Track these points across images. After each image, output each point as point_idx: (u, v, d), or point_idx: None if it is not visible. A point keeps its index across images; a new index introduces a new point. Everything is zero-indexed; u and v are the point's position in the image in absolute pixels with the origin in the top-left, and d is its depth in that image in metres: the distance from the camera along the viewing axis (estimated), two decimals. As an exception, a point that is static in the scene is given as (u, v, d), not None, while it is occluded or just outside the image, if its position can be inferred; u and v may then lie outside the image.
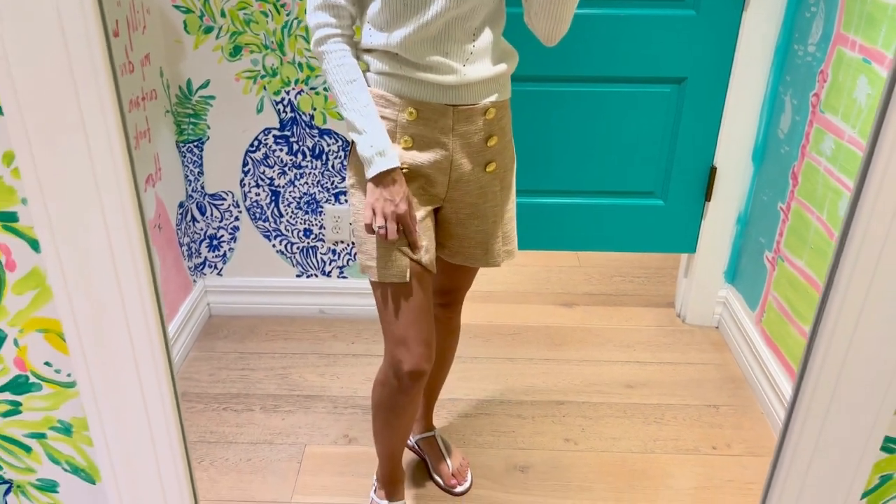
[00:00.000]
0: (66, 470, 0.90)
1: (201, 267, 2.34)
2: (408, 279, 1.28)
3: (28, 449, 0.87)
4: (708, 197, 2.19)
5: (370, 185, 1.22)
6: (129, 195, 0.78)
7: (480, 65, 1.24)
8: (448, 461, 1.75)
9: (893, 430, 0.96)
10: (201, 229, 2.28)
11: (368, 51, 1.27)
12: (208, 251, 2.32)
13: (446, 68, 1.21)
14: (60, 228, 0.79)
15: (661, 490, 1.77)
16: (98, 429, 0.82)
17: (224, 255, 2.32)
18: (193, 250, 2.30)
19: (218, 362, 2.19)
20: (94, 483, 0.88)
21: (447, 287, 1.55)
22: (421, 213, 1.29)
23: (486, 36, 1.24)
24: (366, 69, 1.28)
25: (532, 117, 2.10)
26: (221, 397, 2.04)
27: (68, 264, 0.79)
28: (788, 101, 1.93)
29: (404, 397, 1.40)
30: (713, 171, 2.15)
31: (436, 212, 1.37)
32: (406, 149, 1.26)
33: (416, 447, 1.81)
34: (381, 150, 1.20)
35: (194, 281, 2.31)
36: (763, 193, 2.09)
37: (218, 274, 2.36)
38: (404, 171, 1.25)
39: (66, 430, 0.86)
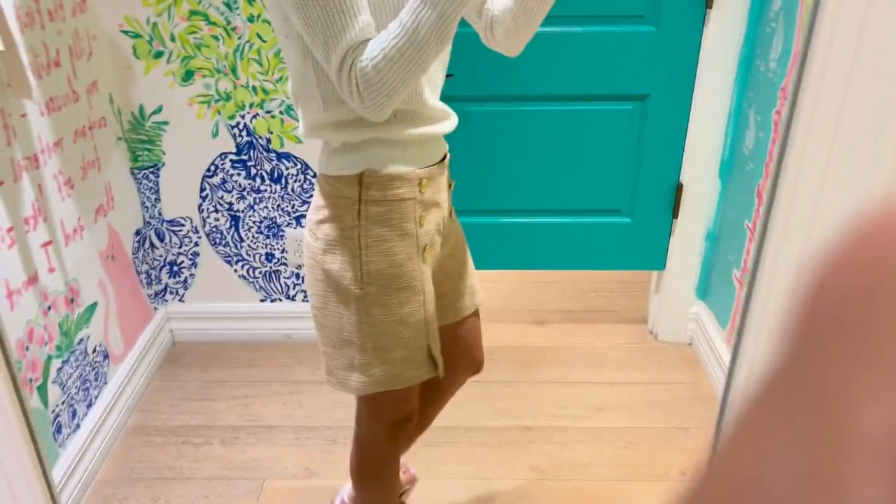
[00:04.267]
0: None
1: (163, 294, 2.29)
2: (440, 372, 1.17)
3: None
4: (675, 214, 2.16)
5: None
6: None
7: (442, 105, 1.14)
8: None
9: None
10: (161, 256, 2.23)
11: (347, 123, 1.03)
12: (169, 277, 2.27)
13: (442, 112, 1.09)
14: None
15: (628, 520, 1.72)
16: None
17: (185, 281, 2.28)
18: (154, 277, 2.25)
19: (180, 392, 2.14)
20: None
21: (471, 356, 1.42)
22: (434, 298, 1.18)
23: None
24: (347, 150, 1.05)
25: (495, 137, 2.06)
26: (181, 430, 1.99)
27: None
28: (752, 118, 1.89)
29: (395, 458, 1.34)
30: (680, 187, 2.12)
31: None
32: (424, 224, 1.11)
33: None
34: None
35: (155, 308, 2.26)
36: (730, 210, 2.05)
37: (180, 300, 2.31)
38: (429, 251, 1.13)
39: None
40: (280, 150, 2.07)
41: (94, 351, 1.86)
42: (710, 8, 1.87)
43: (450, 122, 1.12)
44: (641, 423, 2.01)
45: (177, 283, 2.28)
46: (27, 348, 1.55)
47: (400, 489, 1.49)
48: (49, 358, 1.64)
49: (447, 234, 1.22)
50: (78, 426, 1.78)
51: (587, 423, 2.01)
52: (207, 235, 2.20)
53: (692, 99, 1.99)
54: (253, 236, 2.20)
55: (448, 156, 1.19)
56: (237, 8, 1.88)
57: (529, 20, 1.09)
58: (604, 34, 1.92)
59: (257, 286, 2.28)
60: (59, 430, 1.69)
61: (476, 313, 1.39)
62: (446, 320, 1.31)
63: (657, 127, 2.03)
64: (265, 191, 2.13)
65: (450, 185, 1.21)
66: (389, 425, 1.26)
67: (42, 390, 1.62)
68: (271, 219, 2.17)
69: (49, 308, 1.64)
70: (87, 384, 1.83)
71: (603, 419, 2.03)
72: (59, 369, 1.69)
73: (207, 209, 2.16)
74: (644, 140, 2.06)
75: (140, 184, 2.12)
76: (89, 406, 1.84)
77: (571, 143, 2.07)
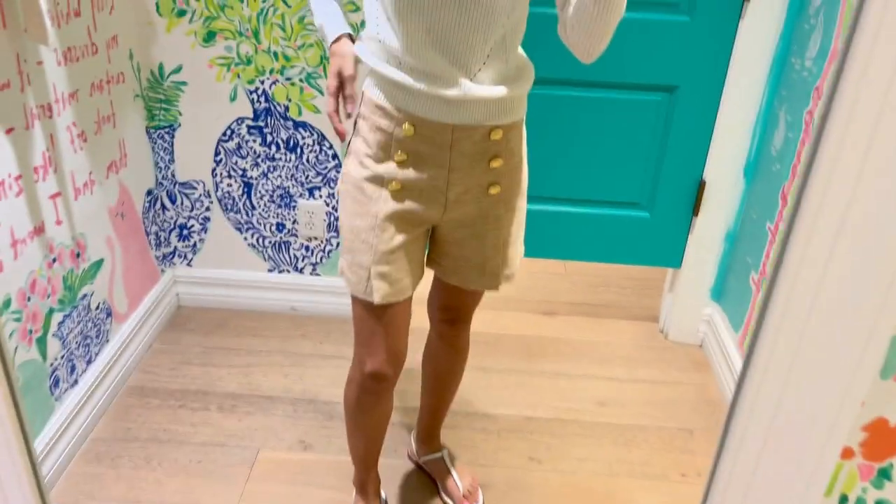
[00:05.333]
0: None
1: (171, 256, 2.27)
2: (375, 301, 1.22)
3: None
4: (696, 211, 2.11)
5: None
6: None
7: (489, 81, 1.13)
8: (458, 482, 1.67)
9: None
10: (171, 218, 2.21)
11: (374, 42, 1.15)
12: (178, 240, 2.25)
13: (449, 79, 1.10)
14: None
15: (623, 518, 1.69)
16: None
17: (194, 245, 2.26)
18: (163, 239, 2.23)
19: (181, 356, 2.13)
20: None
21: (449, 304, 1.47)
22: (400, 238, 1.21)
23: (504, 46, 1.12)
24: (368, 70, 1.18)
25: (516, 120, 2.02)
26: (179, 394, 1.98)
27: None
28: (783, 117, 1.84)
29: (369, 397, 1.36)
30: (702, 184, 2.06)
31: (433, 229, 1.31)
32: (400, 163, 1.17)
33: (424, 467, 1.74)
34: (327, 29, 1.20)
35: (162, 270, 2.24)
36: (752, 211, 2.00)
37: (188, 264, 2.29)
38: (396, 188, 1.18)
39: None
40: (297, 119, 2.04)
41: (98, 308, 1.85)
42: (748, 1, 1.81)
43: (456, 90, 1.10)
44: (644, 422, 1.97)
45: (186, 246, 2.26)
46: (29, 299, 1.53)
47: (379, 437, 1.49)
48: (51, 311, 1.63)
49: (459, 202, 1.22)
50: (76, 382, 1.76)
51: (589, 417, 1.98)
52: (219, 201, 2.18)
53: (722, 94, 1.94)
54: (265, 205, 2.17)
55: (498, 133, 1.18)
56: (263, -30, 1.85)
57: (586, 19, 1.04)
58: (635, 21, 1.87)
59: (266, 255, 2.26)
60: (56, 384, 1.67)
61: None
62: (451, 280, 1.36)
63: (684, 120, 1.98)
64: (280, 159, 2.10)
65: (492, 160, 1.20)
66: (361, 359, 1.31)
67: (41, 343, 1.60)
68: (284, 188, 2.14)
69: (54, 260, 1.62)
70: (89, 340, 1.81)
71: (605, 415, 1.99)
72: (61, 323, 1.67)
73: (221, 174, 2.14)
74: (669, 133, 2.01)
75: (155, 143, 2.10)
76: (89, 362, 1.82)
77: (593, 132, 2.02)
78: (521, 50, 1.19)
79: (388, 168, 1.17)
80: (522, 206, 1.33)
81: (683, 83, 1.93)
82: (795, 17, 1.80)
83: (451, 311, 1.48)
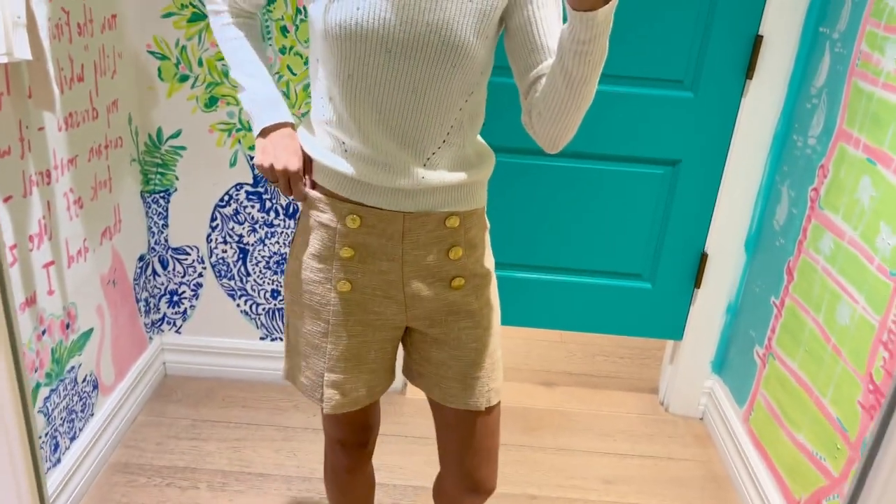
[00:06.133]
0: None
1: (159, 323, 2.19)
2: (324, 411, 1.17)
3: None
4: (697, 283, 2.10)
5: (257, 141, 1.08)
6: None
7: (445, 167, 1.05)
8: None
9: None
10: (162, 284, 2.14)
11: (320, 126, 1.07)
12: (168, 307, 2.17)
13: (401, 166, 1.03)
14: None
15: None
16: None
17: (184, 312, 2.18)
18: (152, 306, 2.15)
19: (168, 429, 2.03)
20: None
21: (466, 476, 1.24)
22: (356, 343, 1.12)
23: (462, 132, 1.05)
24: (312, 152, 1.08)
25: (521, 190, 2.01)
26: (166, 471, 1.88)
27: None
28: (785, 193, 1.85)
29: (343, 475, 1.34)
30: (704, 257, 2.06)
31: (409, 336, 1.20)
32: (347, 260, 1.08)
33: None
34: (269, 110, 1.09)
35: (150, 338, 2.16)
36: (755, 285, 1.99)
37: (176, 332, 2.21)
38: (346, 288, 1.09)
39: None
40: (298, 186, 2.01)
41: (84, 380, 1.76)
42: (751, 79, 1.84)
43: (408, 180, 1.03)
44: (651, 501, 1.91)
45: (175, 313, 2.18)
46: (16, 374, 1.45)
47: None
48: (37, 386, 1.54)
49: (420, 297, 1.11)
50: (59, 460, 1.66)
51: (595, 496, 1.91)
52: (213, 266, 2.12)
53: (724, 168, 1.96)
54: (260, 271, 2.12)
55: (454, 221, 1.09)
56: (270, 39, 1.84)
57: (557, 105, 0.96)
58: (640, 96, 1.89)
59: (258, 323, 2.19)
60: (38, 463, 1.57)
61: (475, 415, 1.19)
62: (433, 395, 1.21)
63: (686, 194, 1.99)
64: (278, 225, 2.06)
65: (450, 250, 1.10)
66: (328, 438, 1.32)
67: (26, 420, 1.51)
68: (281, 254, 2.10)
69: (43, 332, 1.54)
70: (73, 416, 1.72)
71: (611, 493, 1.93)
72: (47, 398, 1.58)
73: (216, 240, 2.08)
74: (672, 206, 2.01)
75: (149, 208, 2.05)
76: (72, 439, 1.72)
77: (597, 203, 2.02)
78: (479, 137, 1.13)
79: (335, 267, 1.08)
80: (496, 307, 1.19)
81: (686, 157, 1.95)
82: (796, 96, 1.84)
83: (469, 481, 1.26)
